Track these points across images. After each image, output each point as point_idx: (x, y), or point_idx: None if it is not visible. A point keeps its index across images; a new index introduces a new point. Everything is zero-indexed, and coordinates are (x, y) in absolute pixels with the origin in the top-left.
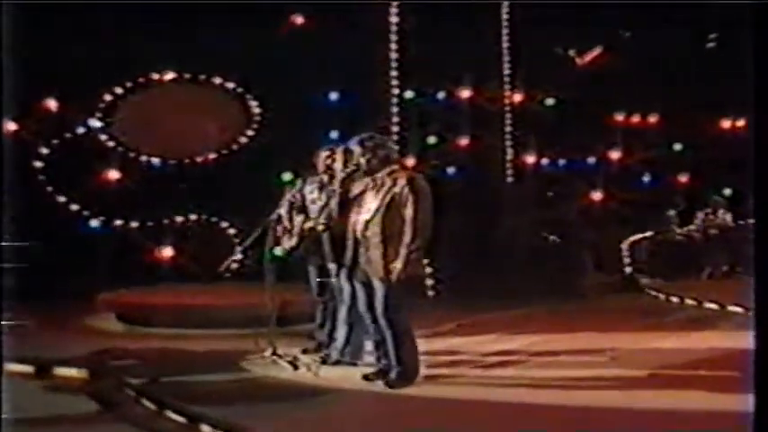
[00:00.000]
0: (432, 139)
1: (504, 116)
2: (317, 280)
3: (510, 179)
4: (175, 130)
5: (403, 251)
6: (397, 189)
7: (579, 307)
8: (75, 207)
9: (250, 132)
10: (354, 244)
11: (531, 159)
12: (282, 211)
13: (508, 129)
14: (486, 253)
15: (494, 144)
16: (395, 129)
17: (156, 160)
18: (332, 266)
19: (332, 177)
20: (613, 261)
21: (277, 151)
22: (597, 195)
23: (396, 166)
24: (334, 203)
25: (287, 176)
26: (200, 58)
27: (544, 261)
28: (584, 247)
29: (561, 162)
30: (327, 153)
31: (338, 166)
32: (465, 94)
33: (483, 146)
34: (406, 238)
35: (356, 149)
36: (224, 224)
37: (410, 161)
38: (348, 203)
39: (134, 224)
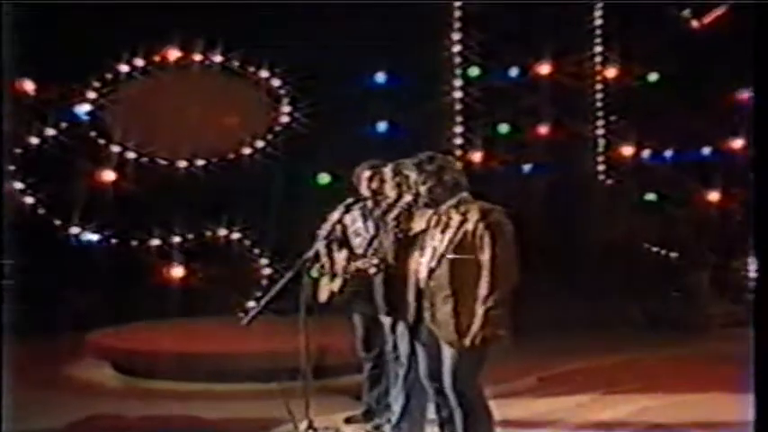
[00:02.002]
0: (503, 128)
1: (594, 97)
2: (365, 333)
3: (602, 177)
4: (185, 124)
5: (479, 308)
6: (468, 226)
7: (702, 350)
8: (58, 217)
9: (278, 126)
10: (417, 295)
11: (628, 151)
12: (320, 245)
13: (599, 113)
14: (573, 272)
15: (581, 133)
16: (457, 117)
17: (161, 160)
18: (386, 320)
19: (377, 203)
20: (741, 283)
21: (312, 148)
22: (714, 196)
23: (465, 195)
24: (387, 243)
25: (324, 178)
26: (214, 33)
27: (649, 283)
28: (701, 263)
29: (668, 154)
30: (370, 173)
31: (389, 190)
32: (544, 69)
33: (568, 135)
34: (483, 290)
35: (412, 175)
36: (248, 241)
37: (476, 156)
38: (406, 243)
39: (133, 239)
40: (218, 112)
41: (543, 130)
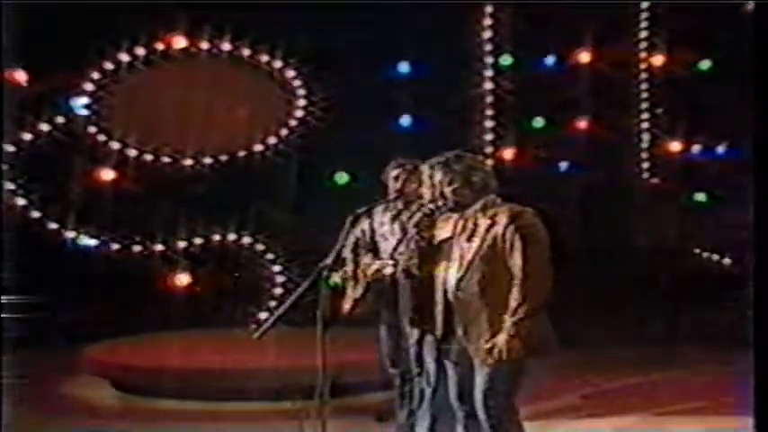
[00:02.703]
0: (538, 122)
1: (639, 88)
2: (394, 345)
3: (647, 176)
4: (191, 119)
5: (508, 320)
6: (497, 231)
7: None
8: (52, 220)
9: (292, 121)
10: (445, 309)
11: (676, 147)
12: (347, 251)
13: (645, 105)
14: (616, 281)
15: (624, 127)
16: (487, 110)
17: (165, 158)
18: (412, 332)
19: (406, 204)
20: None
21: (329, 144)
22: None
23: (493, 197)
24: (411, 248)
25: (342, 178)
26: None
27: (701, 292)
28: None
29: (720, 150)
30: (397, 172)
31: (425, 191)
32: (584, 57)
33: (609, 130)
34: (513, 300)
35: (438, 175)
36: (259, 246)
37: (507, 153)
38: (430, 251)
39: (135, 244)
40: (227, 106)
41: (582, 124)
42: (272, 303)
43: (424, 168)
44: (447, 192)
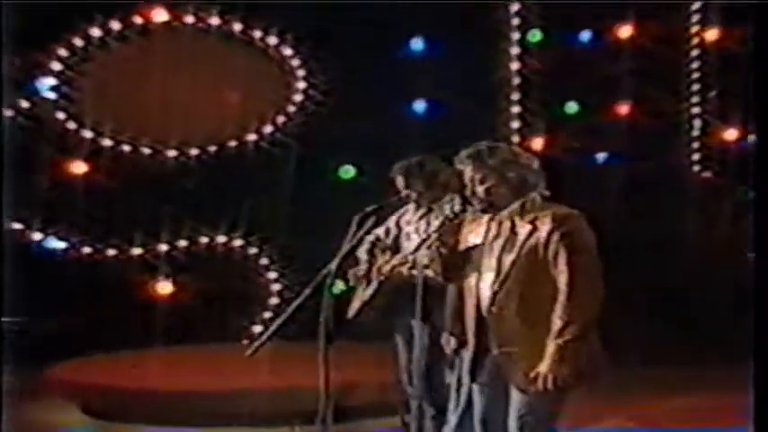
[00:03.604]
0: (572, 107)
1: (689, 67)
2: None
3: (698, 168)
4: (175, 104)
5: (552, 343)
6: (539, 237)
7: None
8: (16, 220)
9: (291, 107)
10: (478, 327)
11: (731, 135)
12: (362, 251)
13: (695, 87)
14: (661, 289)
15: (671, 112)
16: (513, 93)
17: (145, 149)
18: (449, 341)
19: (435, 202)
20: None
21: (333, 133)
22: None
23: (533, 197)
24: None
25: (348, 172)
26: None
27: (761, 301)
28: None
29: None
30: (402, 171)
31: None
32: (625, 32)
33: (654, 116)
34: (557, 319)
35: (467, 171)
36: (252, 249)
37: (536, 143)
38: (457, 258)
39: (110, 247)
40: (216, 89)
41: (622, 109)
42: (267, 315)
43: (456, 160)
44: (479, 190)
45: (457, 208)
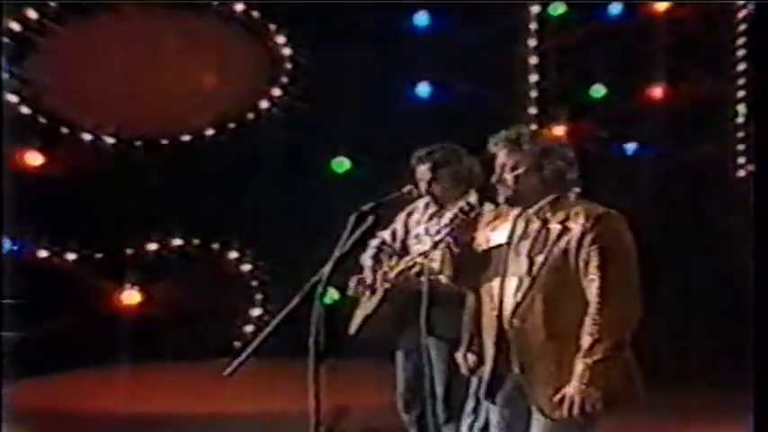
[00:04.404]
0: (598, 91)
1: (733, 44)
2: (412, 379)
3: (743, 160)
4: (141, 87)
5: (580, 363)
6: (571, 238)
7: None
8: None
9: (276, 90)
10: (498, 340)
11: None
12: (366, 257)
13: (740, 67)
14: (701, 300)
15: (713, 97)
16: (531, 75)
17: (109, 138)
18: (466, 358)
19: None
20: None
21: (324, 120)
22: None
23: (567, 194)
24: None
25: (341, 164)
26: None
27: None
28: None
29: None
30: (429, 159)
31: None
32: (660, 5)
33: (692, 100)
34: (587, 336)
35: (502, 155)
36: (232, 254)
37: (557, 131)
38: (474, 260)
39: (68, 251)
40: (190, 70)
41: (656, 92)
42: (249, 328)
43: (490, 142)
44: (508, 177)
45: (472, 200)
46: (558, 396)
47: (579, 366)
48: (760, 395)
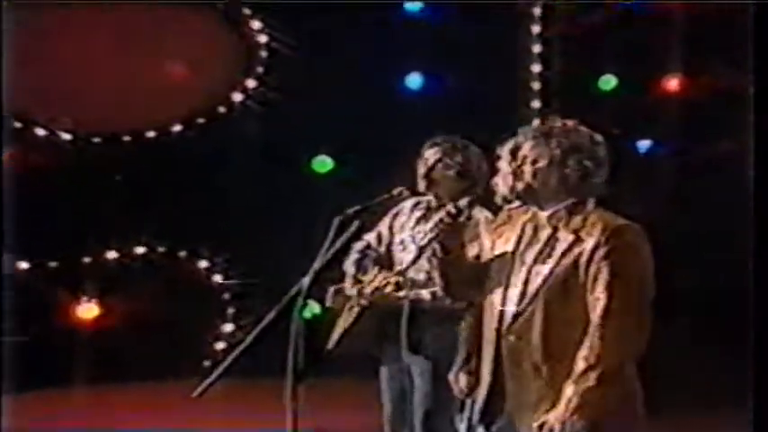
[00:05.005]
0: (607, 81)
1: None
2: (397, 401)
3: None
4: (102, 79)
5: (570, 388)
6: (583, 250)
7: None
8: None
9: (251, 82)
10: (497, 352)
11: None
12: (349, 263)
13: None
14: (721, 316)
15: (736, 87)
16: (533, 64)
17: (65, 135)
18: (459, 380)
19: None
20: None
21: (306, 115)
22: None
23: (587, 200)
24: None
25: (323, 163)
26: None
27: None
28: None
29: None
30: (434, 149)
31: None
32: None
33: (712, 92)
34: (581, 360)
35: (526, 148)
36: (202, 263)
37: (565, 123)
38: (466, 268)
39: (19, 260)
40: (155, 59)
41: (672, 83)
42: (220, 346)
43: (519, 133)
44: (527, 171)
45: (462, 203)
46: (539, 422)
47: (568, 392)
48: (760, 395)
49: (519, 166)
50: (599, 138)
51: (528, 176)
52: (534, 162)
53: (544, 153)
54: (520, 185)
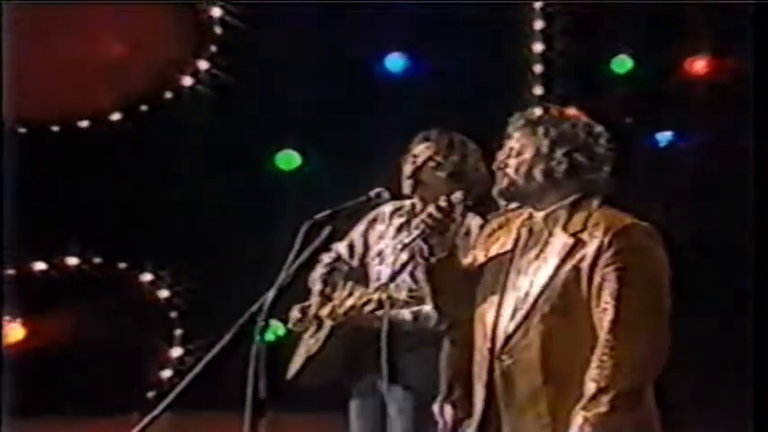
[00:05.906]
0: (622, 64)
1: None
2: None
3: None
4: (27, 59)
5: (578, 416)
6: (585, 255)
7: None
8: None
9: (203, 64)
10: (490, 375)
11: None
12: (315, 278)
13: None
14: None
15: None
16: (535, 44)
17: None
18: (444, 410)
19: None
20: None
21: (268, 104)
22: None
23: (591, 199)
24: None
25: (289, 159)
26: None
27: None
28: None
29: None
30: (425, 145)
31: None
32: None
33: (737, 77)
34: (591, 381)
35: (514, 137)
36: (145, 276)
37: (571, 113)
38: (456, 277)
39: None
40: (86, 36)
41: (696, 66)
42: (167, 373)
43: (510, 121)
44: (511, 164)
45: (455, 197)
46: None
47: (578, 420)
48: (760, 395)
49: (504, 160)
50: (599, 129)
51: (511, 172)
52: (519, 154)
53: (529, 144)
54: (504, 182)
